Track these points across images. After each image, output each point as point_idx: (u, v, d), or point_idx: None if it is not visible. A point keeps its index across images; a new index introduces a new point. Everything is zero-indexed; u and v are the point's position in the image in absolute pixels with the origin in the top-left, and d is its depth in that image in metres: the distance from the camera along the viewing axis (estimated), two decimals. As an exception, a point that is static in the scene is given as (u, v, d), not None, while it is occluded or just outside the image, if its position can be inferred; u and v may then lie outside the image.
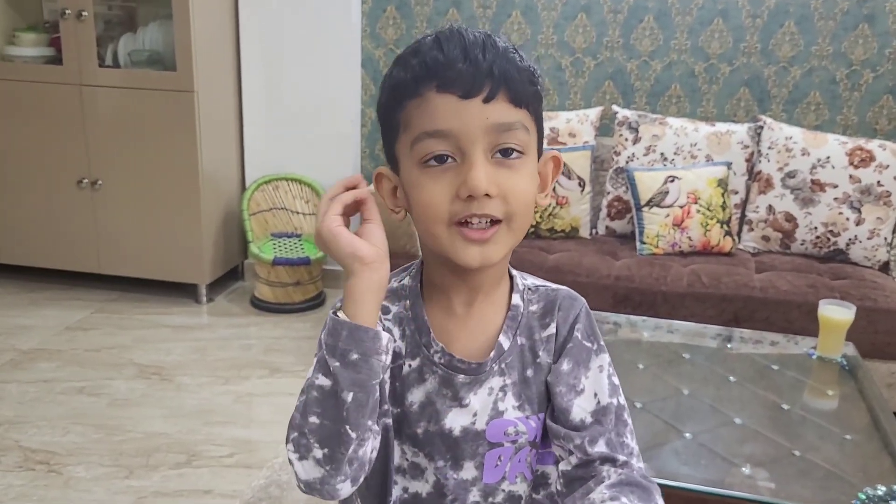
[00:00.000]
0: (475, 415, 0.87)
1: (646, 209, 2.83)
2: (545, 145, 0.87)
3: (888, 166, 2.77)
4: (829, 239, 2.83)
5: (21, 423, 2.36)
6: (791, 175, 2.86)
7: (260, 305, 3.29)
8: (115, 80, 3.08)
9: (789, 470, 1.59)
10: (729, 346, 2.27)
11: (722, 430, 1.72)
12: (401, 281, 0.92)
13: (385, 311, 0.89)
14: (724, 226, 2.83)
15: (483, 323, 0.89)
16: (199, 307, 3.30)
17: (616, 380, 0.91)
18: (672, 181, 2.83)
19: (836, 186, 2.80)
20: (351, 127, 3.39)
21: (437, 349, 0.87)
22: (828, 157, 2.82)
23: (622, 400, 0.90)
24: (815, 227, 2.84)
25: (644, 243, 2.83)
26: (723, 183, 2.84)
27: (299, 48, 3.27)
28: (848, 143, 2.83)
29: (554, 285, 0.94)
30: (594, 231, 3.09)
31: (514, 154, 0.79)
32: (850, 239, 2.81)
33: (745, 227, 2.96)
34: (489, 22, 3.26)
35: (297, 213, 3.44)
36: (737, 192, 2.96)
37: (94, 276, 3.39)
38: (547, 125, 3.11)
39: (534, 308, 0.91)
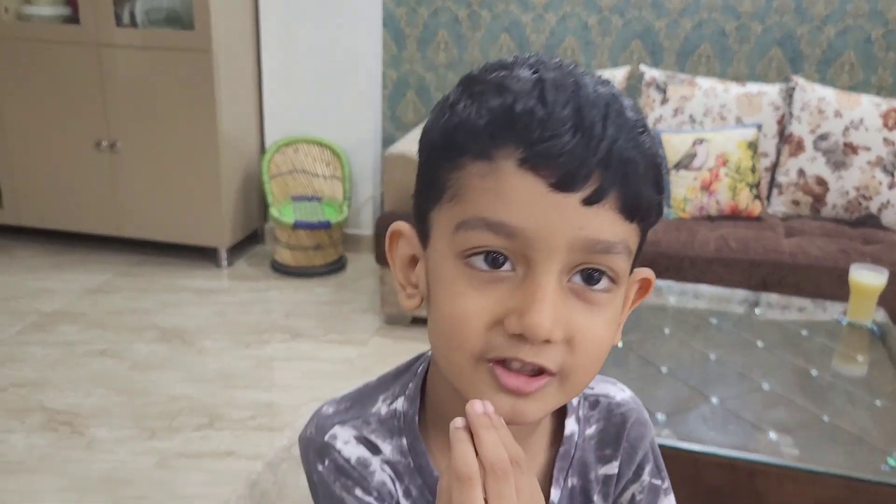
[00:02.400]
0: None
1: (673, 172, 2.77)
2: None
3: (924, 128, 2.68)
4: (860, 203, 2.76)
5: (44, 384, 2.38)
6: (823, 137, 2.78)
7: (280, 269, 3.28)
8: (133, 40, 3.05)
9: (817, 435, 1.56)
10: (757, 311, 2.23)
11: (749, 396, 1.69)
12: (391, 402, 0.67)
13: (371, 450, 0.64)
14: (754, 189, 2.77)
15: None
16: (219, 271, 3.29)
17: None
18: (700, 143, 2.76)
19: (869, 149, 2.73)
20: (372, 88, 3.34)
21: None
22: (861, 119, 2.73)
23: None
24: (847, 192, 2.76)
25: (671, 207, 2.77)
26: (752, 145, 2.77)
27: (318, 6, 3.21)
28: (882, 105, 2.74)
29: (617, 395, 0.71)
30: (619, 195, 3.03)
31: (602, 285, 0.55)
32: (882, 203, 2.74)
33: (775, 191, 2.89)
34: (512, -20, 3.18)
35: (318, 175, 3.41)
36: (767, 155, 2.89)
37: (114, 240, 3.39)
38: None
39: (591, 432, 0.69)
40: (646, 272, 0.63)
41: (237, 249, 3.43)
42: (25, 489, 1.91)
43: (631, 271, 0.59)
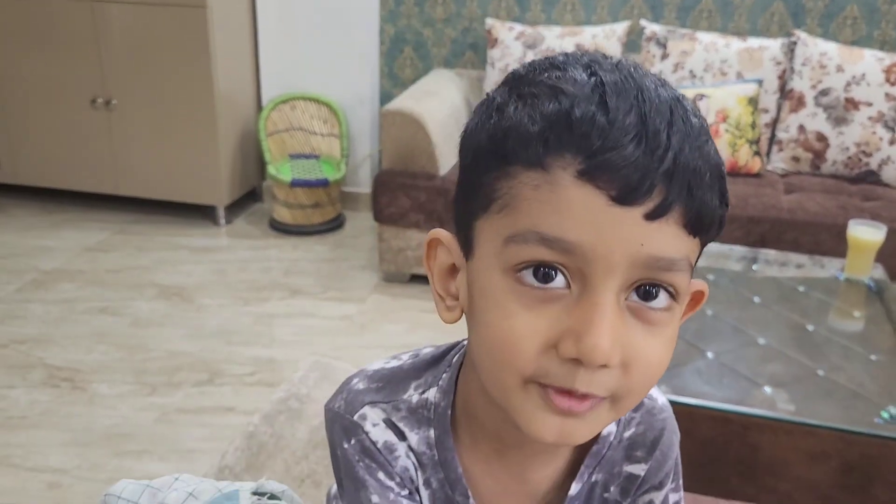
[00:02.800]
0: None
1: (672, 128, 2.75)
2: None
3: (927, 83, 2.66)
4: (860, 160, 2.75)
5: (45, 341, 2.39)
6: (824, 93, 2.75)
7: (279, 228, 3.27)
8: (127, -4, 3.01)
9: (812, 389, 1.57)
10: (754, 267, 2.23)
11: (745, 351, 1.70)
12: (424, 390, 0.65)
13: (398, 435, 0.64)
14: (753, 146, 2.75)
15: (549, 474, 0.66)
16: (217, 229, 3.29)
17: None
18: (700, 99, 2.74)
19: (870, 105, 2.70)
20: (369, 44, 3.30)
21: None
22: (863, 74, 2.71)
23: None
24: (847, 148, 2.75)
25: (669, 164, 2.75)
26: (753, 101, 2.75)
27: (315, -39, 3.16)
28: (885, 60, 2.71)
29: (660, 398, 0.70)
30: (618, 152, 3.01)
31: (661, 302, 0.52)
32: (882, 159, 2.72)
33: (775, 148, 2.87)
34: (512, -68, 3.11)
35: (315, 133, 3.38)
36: (767, 111, 2.87)
37: (112, 198, 3.38)
38: (571, 41, 3.02)
39: (628, 434, 0.67)
40: (699, 285, 0.59)
41: (235, 208, 3.42)
42: (28, 443, 1.93)
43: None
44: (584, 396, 0.51)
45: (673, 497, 0.72)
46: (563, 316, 0.50)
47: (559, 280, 0.50)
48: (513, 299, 0.51)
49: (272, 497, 0.78)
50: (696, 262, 0.54)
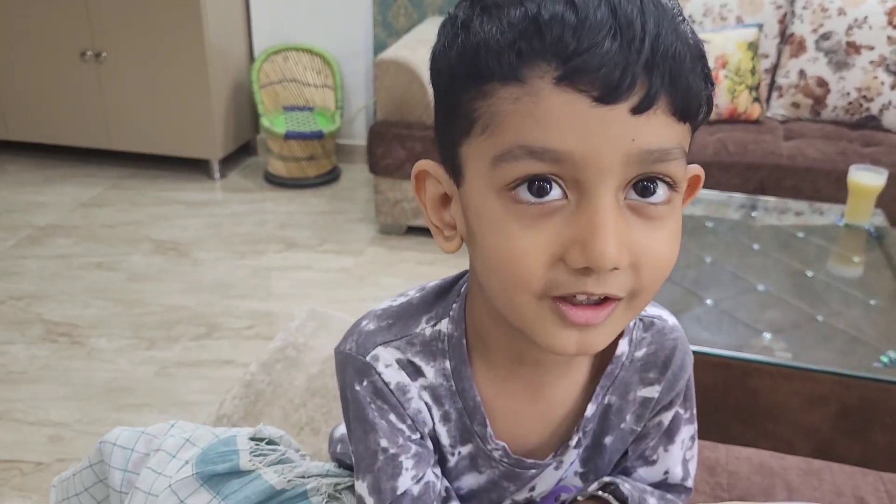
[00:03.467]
0: (533, 489, 0.71)
1: (670, 75, 2.71)
2: None
3: (930, 26, 2.62)
4: (861, 105, 2.71)
5: (42, 297, 2.38)
6: (825, 37, 2.71)
7: (274, 181, 3.24)
8: (114, -55, 2.93)
9: (812, 335, 1.57)
10: (754, 215, 2.21)
11: (744, 297, 1.69)
12: (436, 322, 0.64)
13: (415, 373, 0.63)
14: (753, 92, 2.71)
15: (563, 396, 0.65)
16: (212, 183, 3.26)
17: (695, 457, 0.74)
18: (699, 45, 2.69)
19: (872, 48, 2.66)
20: (362, -7, 3.24)
21: (496, 447, 0.65)
22: (865, 17, 2.66)
23: (690, 483, 0.74)
24: (848, 93, 2.71)
25: (668, 111, 2.72)
26: (753, 46, 2.70)
27: None
28: (888, 2, 2.66)
29: (670, 319, 0.70)
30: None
31: (661, 195, 0.50)
32: (883, 104, 2.69)
33: (775, 94, 2.84)
34: None
35: (309, 84, 3.33)
36: (767, 56, 2.82)
37: (105, 153, 3.35)
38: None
39: (640, 354, 0.67)
40: (695, 169, 0.58)
41: (230, 161, 3.39)
42: (29, 398, 1.93)
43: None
44: (600, 304, 0.51)
45: (687, 429, 0.72)
46: (564, 227, 0.49)
47: (555, 192, 0.49)
48: (512, 219, 0.49)
49: (270, 442, 0.78)
50: (689, 146, 0.53)
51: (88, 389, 1.97)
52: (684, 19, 0.49)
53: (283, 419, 0.85)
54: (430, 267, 2.56)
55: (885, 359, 1.46)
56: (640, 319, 0.68)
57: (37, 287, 2.43)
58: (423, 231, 2.57)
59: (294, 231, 2.87)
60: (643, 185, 0.50)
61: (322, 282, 2.53)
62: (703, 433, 1.41)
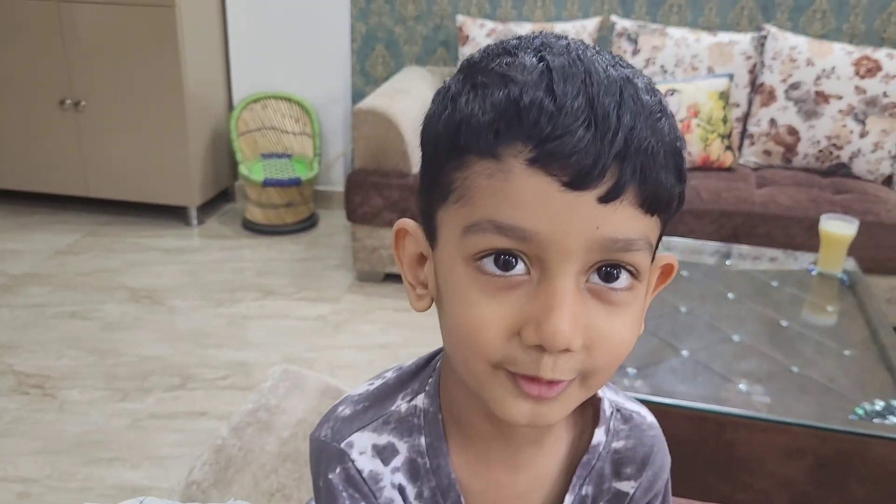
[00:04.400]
0: None
1: (645, 124, 2.75)
2: None
3: (895, 76, 2.68)
4: (831, 153, 2.77)
5: (14, 347, 2.34)
6: (795, 86, 2.77)
7: (252, 228, 3.24)
8: (93, -6, 2.95)
9: (787, 386, 1.57)
10: (728, 262, 2.24)
11: (719, 347, 1.70)
12: (412, 398, 0.64)
13: (389, 452, 0.62)
14: (725, 140, 2.76)
15: (541, 478, 0.65)
16: (189, 230, 3.25)
17: None
18: (672, 94, 2.74)
19: (840, 98, 2.72)
20: (340, 42, 3.27)
21: None
22: (833, 68, 2.72)
23: None
24: (818, 141, 2.76)
25: (642, 159, 2.76)
26: (724, 96, 2.76)
27: (284, -42, 3.12)
28: (854, 53, 2.73)
29: (648, 416, 0.70)
30: (592, 147, 3.01)
31: (623, 282, 0.51)
32: (853, 152, 2.74)
33: (747, 142, 2.89)
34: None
35: (287, 132, 3.35)
36: (738, 105, 2.88)
37: (82, 200, 3.33)
38: (543, 37, 3.00)
39: (618, 446, 0.67)
40: (668, 258, 0.59)
41: (208, 208, 3.38)
42: (-3, 454, 1.89)
43: (652, 260, 0.55)
44: (552, 382, 0.51)
45: None
46: (524, 302, 0.50)
47: (519, 267, 0.50)
48: (476, 288, 0.51)
49: (239, 516, 0.76)
50: (659, 238, 0.54)
51: (59, 443, 1.93)
52: (664, 116, 0.50)
53: (254, 486, 0.83)
54: (407, 314, 2.55)
55: (860, 411, 1.47)
56: (619, 410, 0.68)
57: (8, 337, 2.40)
58: (400, 278, 2.56)
59: (271, 279, 2.86)
60: (606, 271, 0.51)
61: (299, 330, 2.52)
62: (680, 488, 1.40)
